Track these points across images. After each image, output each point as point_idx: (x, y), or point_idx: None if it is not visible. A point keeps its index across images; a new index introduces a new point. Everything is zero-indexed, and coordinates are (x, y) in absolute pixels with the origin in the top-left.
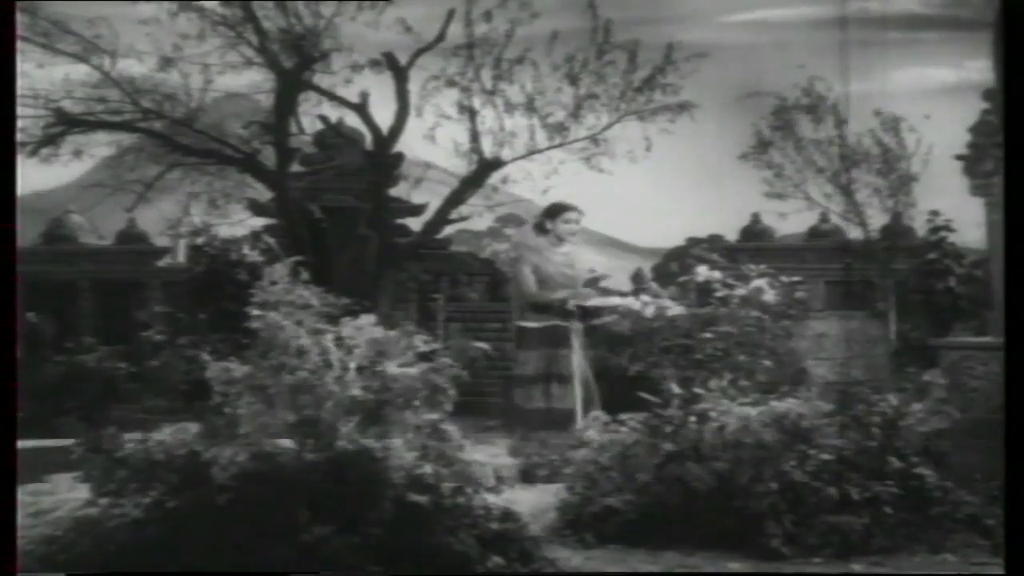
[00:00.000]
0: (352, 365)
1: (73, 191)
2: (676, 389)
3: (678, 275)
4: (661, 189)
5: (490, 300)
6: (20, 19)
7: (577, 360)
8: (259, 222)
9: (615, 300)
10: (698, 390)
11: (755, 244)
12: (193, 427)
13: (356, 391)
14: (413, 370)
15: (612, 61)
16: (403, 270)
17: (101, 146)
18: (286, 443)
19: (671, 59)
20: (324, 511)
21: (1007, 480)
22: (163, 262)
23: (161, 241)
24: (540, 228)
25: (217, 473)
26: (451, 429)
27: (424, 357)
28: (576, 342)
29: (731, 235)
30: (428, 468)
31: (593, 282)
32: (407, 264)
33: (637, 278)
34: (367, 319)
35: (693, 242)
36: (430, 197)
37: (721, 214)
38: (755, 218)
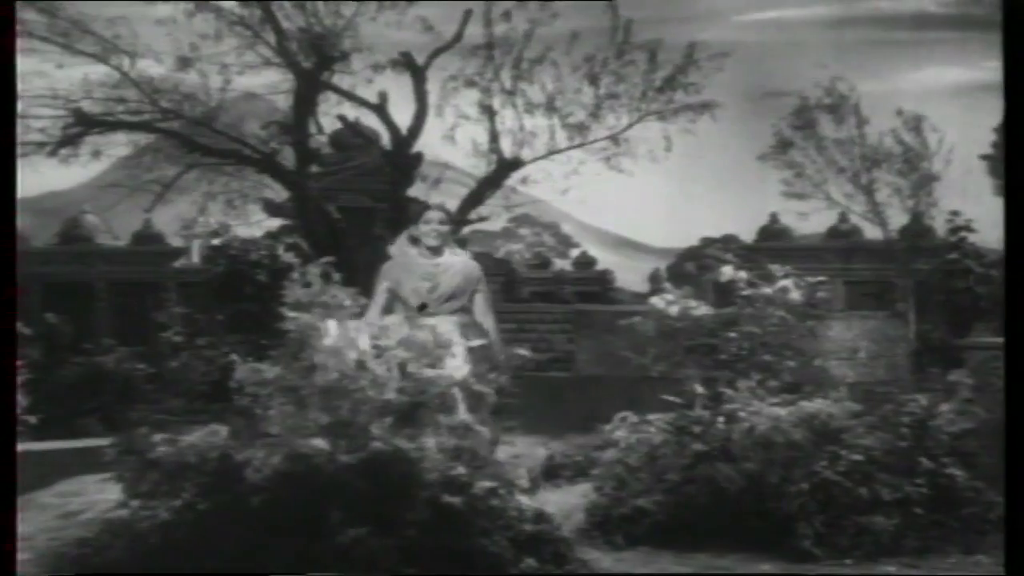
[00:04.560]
0: (386, 367)
1: (88, 191)
2: (702, 389)
3: (694, 275)
4: (679, 189)
5: (505, 301)
6: (40, 19)
7: None
8: (275, 223)
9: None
10: (726, 390)
11: (773, 244)
12: (224, 429)
13: (391, 394)
14: (448, 372)
15: (632, 61)
16: None
17: (119, 146)
18: (320, 444)
19: (693, 58)
20: (359, 512)
21: (1007, 480)
22: (179, 263)
23: (176, 242)
24: (411, 237)
25: (251, 475)
26: (483, 430)
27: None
28: None
29: (748, 235)
30: (462, 469)
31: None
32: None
33: (654, 279)
34: (395, 319)
35: (707, 242)
36: (446, 198)
37: (739, 214)
38: (773, 218)
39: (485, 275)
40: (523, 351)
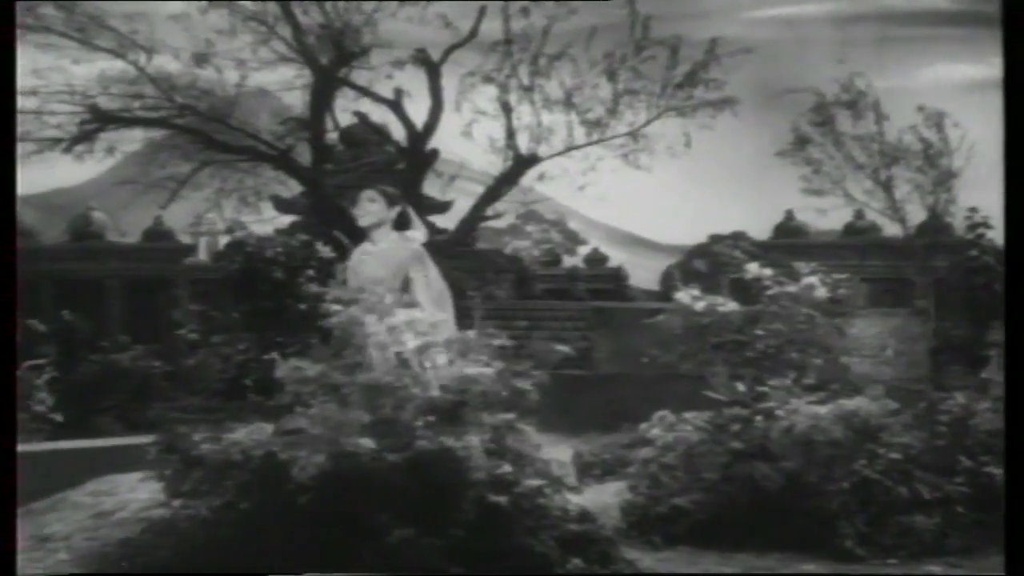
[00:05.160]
0: (428, 364)
1: (95, 188)
2: (742, 387)
3: (704, 273)
4: (693, 186)
5: (516, 297)
6: (57, 15)
7: None
8: (284, 220)
9: None
10: (763, 388)
11: (786, 241)
12: (268, 428)
13: (435, 392)
14: (490, 370)
15: (651, 57)
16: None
17: (132, 143)
18: (367, 443)
19: (714, 54)
20: (405, 512)
21: (1007, 480)
22: (188, 260)
23: (186, 239)
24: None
25: (297, 473)
26: (528, 428)
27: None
28: None
29: (763, 232)
30: (508, 468)
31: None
32: (438, 262)
33: (668, 276)
34: (440, 316)
35: (716, 239)
36: (456, 195)
37: (753, 211)
38: (789, 215)
39: (497, 271)
40: (562, 347)
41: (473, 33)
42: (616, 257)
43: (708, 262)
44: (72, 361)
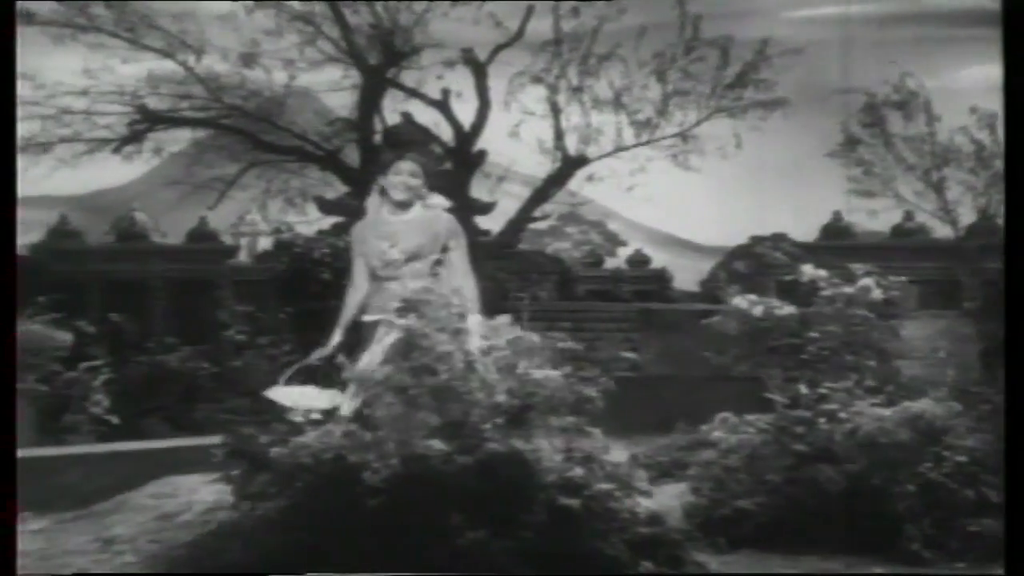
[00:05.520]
0: (495, 368)
1: (137, 188)
2: (806, 390)
3: (744, 274)
4: (741, 186)
5: (558, 299)
6: (107, 14)
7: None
8: (325, 221)
9: None
10: (822, 390)
11: (832, 243)
12: (338, 430)
13: (501, 396)
14: (557, 374)
15: (701, 58)
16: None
17: (179, 144)
18: (438, 445)
19: (765, 54)
20: (477, 514)
21: (1007, 480)
22: (232, 261)
23: (226, 239)
24: (380, 190)
25: (369, 476)
26: (595, 431)
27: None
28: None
29: (810, 234)
30: (579, 471)
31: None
32: (484, 264)
33: (713, 278)
34: (503, 320)
35: (757, 240)
36: (498, 196)
37: (800, 212)
38: (836, 216)
39: (541, 272)
40: (629, 354)
41: (520, 33)
42: (655, 258)
43: (748, 263)
44: (119, 363)
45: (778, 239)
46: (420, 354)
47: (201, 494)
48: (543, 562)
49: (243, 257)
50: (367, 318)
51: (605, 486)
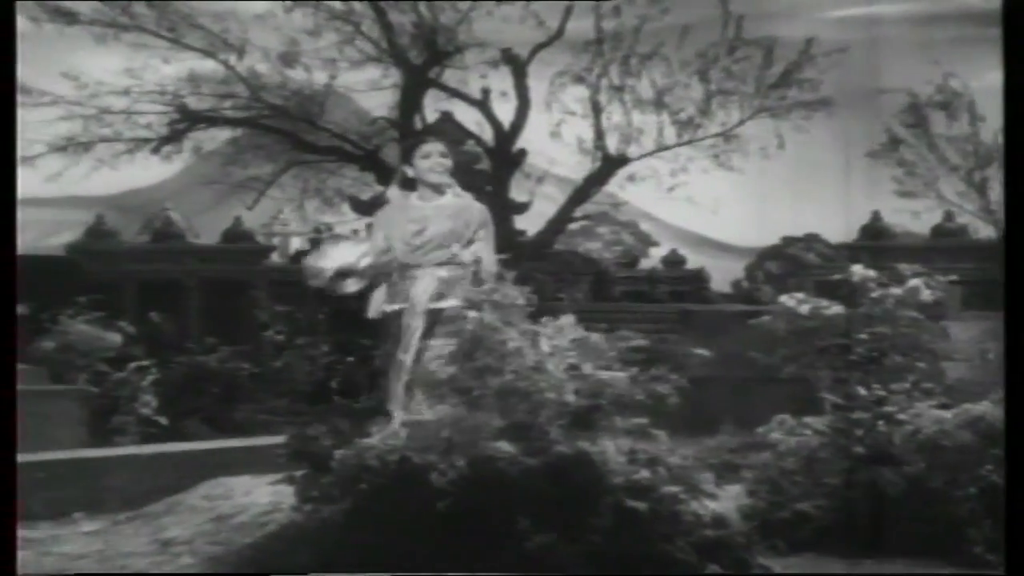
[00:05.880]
0: (562, 368)
1: (169, 189)
2: (864, 391)
3: (777, 275)
4: (775, 187)
5: (593, 300)
6: (149, 13)
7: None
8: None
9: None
10: (880, 392)
11: (868, 243)
12: (403, 432)
13: (570, 396)
14: (623, 374)
15: (745, 57)
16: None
17: (214, 143)
18: (506, 447)
19: (809, 54)
20: (544, 517)
21: (1007, 480)
22: (267, 261)
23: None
24: (404, 181)
25: (436, 479)
26: (660, 433)
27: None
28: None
29: (850, 234)
30: (646, 473)
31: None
32: (521, 264)
33: (751, 279)
34: (567, 319)
35: (789, 241)
36: (535, 196)
37: (840, 212)
38: (875, 216)
39: (575, 273)
40: (702, 351)
41: (560, 32)
42: (693, 260)
43: (780, 264)
44: (159, 363)
45: (810, 239)
46: (484, 353)
47: (255, 496)
48: (610, 565)
49: (276, 257)
50: (388, 308)
51: (672, 488)
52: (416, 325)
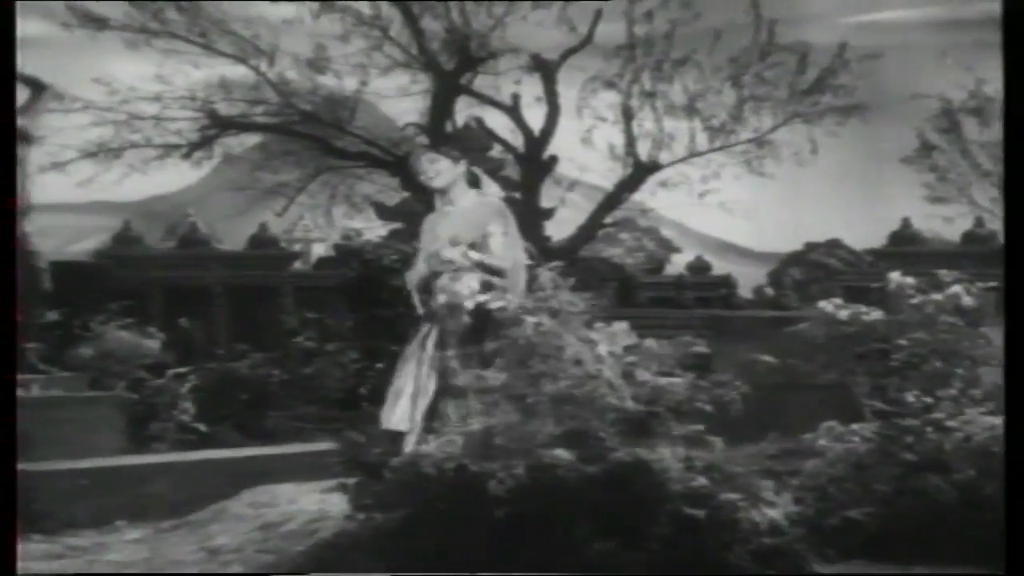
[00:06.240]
0: (619, 374)
1: (192, 195)
2: (912, 398)
3: (799, 281)
4: (805, 193)
5: (619, 306)
6: (180, 19)
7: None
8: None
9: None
10: (928, 399)
11: (891, 248)
12: (460, 440)
13: (629, 403)
14: (681, 380)
15: (778, 62)
16: None
17: (240, 149)
18: (564, 455)
19: (843, 59)
20: (604, 525)
21: (1007, 480)
22: (294, 267)
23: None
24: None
25: (494, 487)
26: (716, 440)
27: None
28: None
29: (880, 240)
30: (704, 480)
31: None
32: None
33: (778, 285)
34: (620, 326)
35: (811, 247)
36: (563, 202)
37: (869, 218)
38: (905, 222)
39: (602, 279)
40: (767, 357)
41: (589, 37)
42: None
43: (803, 270)
44: (197, 369)
45: (832, 245)
46: (539, 360)
47: (302, 503)
48: (670, 573)
49: (300, 264)
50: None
51: (731, 496)
52: (456, 327)
